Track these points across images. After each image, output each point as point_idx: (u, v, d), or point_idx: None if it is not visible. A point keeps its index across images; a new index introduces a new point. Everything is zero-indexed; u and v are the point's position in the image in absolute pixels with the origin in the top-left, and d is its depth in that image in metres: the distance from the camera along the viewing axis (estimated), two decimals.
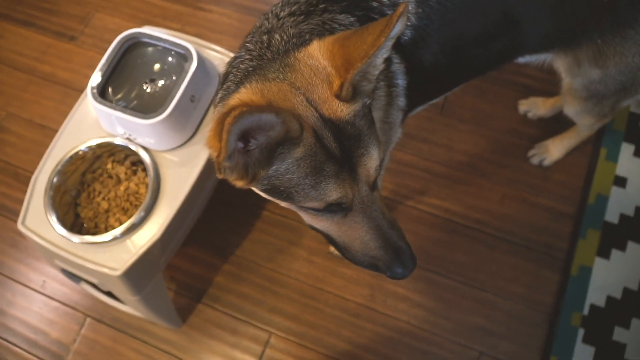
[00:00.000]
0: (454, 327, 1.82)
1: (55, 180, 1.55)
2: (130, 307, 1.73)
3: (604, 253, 1.90)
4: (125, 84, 1.59)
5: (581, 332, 1.81)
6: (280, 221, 1.97)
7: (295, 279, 1.89)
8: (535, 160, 1.99)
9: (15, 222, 2.01)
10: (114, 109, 1.51)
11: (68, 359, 1.83)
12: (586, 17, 1.26)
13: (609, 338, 1.81)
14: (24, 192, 2.03)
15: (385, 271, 1.03)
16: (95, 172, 1.67)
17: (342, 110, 0.92)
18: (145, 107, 1.54)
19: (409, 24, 1.20)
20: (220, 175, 0.95)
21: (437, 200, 1.96)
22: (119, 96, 1.57)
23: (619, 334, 1.81)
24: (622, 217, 1.94)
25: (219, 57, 1.70)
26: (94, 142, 1.60)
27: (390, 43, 0.87)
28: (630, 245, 1.91)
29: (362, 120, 0.94)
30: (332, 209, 0.97)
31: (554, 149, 1.96)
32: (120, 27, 1.72)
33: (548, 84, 2.07)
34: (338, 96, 0.91)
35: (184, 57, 1.59)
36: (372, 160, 0.95)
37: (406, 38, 1.21)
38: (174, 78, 1.60)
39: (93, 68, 1.57)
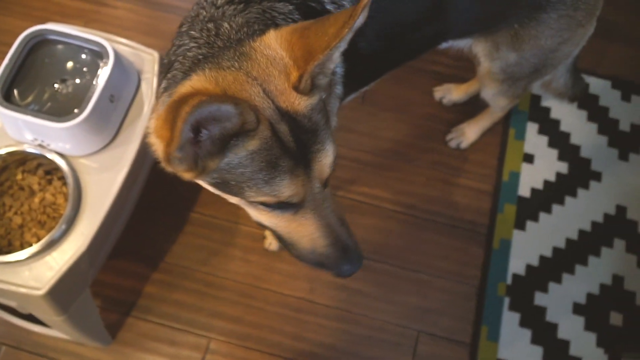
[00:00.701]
0: (393, 309, 1.86)
1: None
2: (54, 328, 1.58)
3: (520, 225, 2.04)
4: (34, 85, 1.44)
5: (507, 301, 1.93)
6: (211, 222, 1.90)
7: (233, 280, 1.83)
8: (453, 144, 2.08)
9: None
10: (22, 112, 1.37)
11: None
12: (505, 3, 1.34)
13: (531, 303, 1.94)
14: None
15: (333, 268, 1.01)
16: (3, 184, 1.51)
17: (300, 104, 0.89)
18: (60, 110, 1.41)
19: None
20: (168, 168, 0.89)
21: (367, 188, 1.99)
22: (28, 99, 1.42)
23: (539, 298, 1.95)
24: (533, 190, 2.10)
25: (136, 53, 1.60)
26: (2, 150, 1.44)
27: (350, 35, 0.85)
28: (542, 215, 2.07)
29: (319, 115, 0.92)
30: (283, 205, 0.94)
31: (470, 132, 2.07)
32: (15, 28, 1.56)
33: (459, 70, 2.18)
34: (296, 88, 0.88)
35: (98, 54, 1.48)
36: (328, 157, 0.93)
37: None
38: (87, 77, 1.48)
39: None
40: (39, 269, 1.37)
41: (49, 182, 1.53)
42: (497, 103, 1.76)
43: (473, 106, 2.10)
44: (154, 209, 1.88)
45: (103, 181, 1.47)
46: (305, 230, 0.98)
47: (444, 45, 1.52)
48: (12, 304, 1.43)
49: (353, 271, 1.00)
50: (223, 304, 1.80)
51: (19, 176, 1.51)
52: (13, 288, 1.34)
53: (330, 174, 0.97)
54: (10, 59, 1.43)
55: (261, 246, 1.88)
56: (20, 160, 1.50)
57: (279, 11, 1.10)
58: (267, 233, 1.88)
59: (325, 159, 0.93)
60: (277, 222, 0.99)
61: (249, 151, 0.86)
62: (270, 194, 0.90)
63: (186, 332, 1.77)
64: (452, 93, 2.13)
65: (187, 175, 0.90)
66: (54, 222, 1.46)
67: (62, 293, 1.39)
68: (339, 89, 1.30)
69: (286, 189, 0.90)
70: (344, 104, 1.50)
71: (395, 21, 1.27)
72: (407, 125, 2.10)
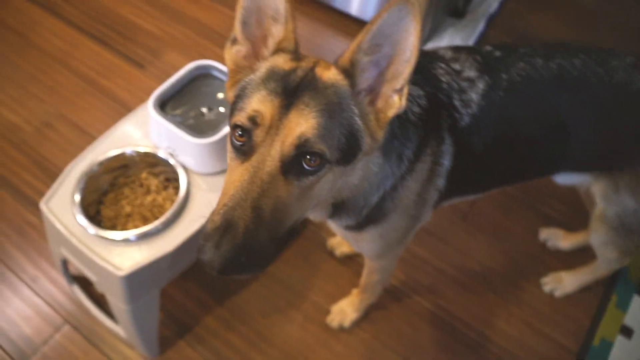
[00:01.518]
0: None
1: (95, 169, 1.59)
2: (116, 317, 1.67)
3: None
4: (185, 103, 1.67)
5: None
6: (285, 280, 1.94)
7: (284, 342, 1.82)
8: (547, 289, 1.98)
9: (30, 211, 2.04)
10: (167, 120, 1.59)
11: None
12: (633, 145, 1.32)
13: None
14: (48, 186, 2.08)
15: (201, 241, 0.89)
16: (129, 177, 1.71)
17: (328, 75, 0.98)
18: (198, 129, 1.61)
19: (469, 111, 1.27)
20: (226, 51, 1.07)
21: (444, 302, 1.94)
22: (176, 112, 1.65)
23: None
24: None
25: None
26: (141, 148, 1.65)
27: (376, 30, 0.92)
28: None
29: (333, 97, 0.96)
30: (242, 147, 0.95)
31: (568, 282, 1.96)
32: (179, 63, 1.84)
33: (570, 219, 2.12)
34: (336, 63, 1.00)
35: None
36: (306, 117, 0.92)
37: (464, 124, 1.27)
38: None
39: (150, 94, 1.64)
40: (127, 254, 1.49)
41: (165, 188, 1.71)
42: (605, 254, 1.66)
43: (576, 258, 2.01)
44: None
45: (207, 201, 1.61)
46: (230, 181, 0.94)
47: (560, 177, 1.50)
48: (93, 277, 1.55)
49: (210, 260, 0.85)
50: None
51: (144, 175, 1.71)
52: (100, 262, 1.47)
53: (296, 148, 0.91)
54: (176, 79, 1.69)
55: (323, 319, 1.87)
56: (151, 163, 1.70)
57: (410, 92, 1.20)
58: (333, 308, 1.88)
59: (302, 119, 0.91)
60: (228, 173, 0.99)
61: (267, 68, 1.00)
62: (245, 108, 0.95)
63: None
64: (559, 238, 2.06)
65: (230, 81, 1.06)
66: (156, 221, 1.60)
67: (138, 281, 1.50)
68: (441, 182, 1.32)
69: (257, 101, 0.94)
70: (444, 206, 1.52)
71: (514, 129, 1.30)
72: (502, 255, 2.05)
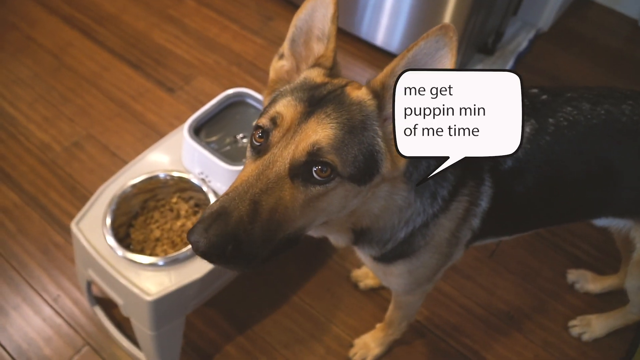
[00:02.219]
0: None
1: (128, 190, 1.59)
2: (140, 343, 1.65)
3: None
4: (220, 130, 1.69)
5: None
6: (308, 311, 1.92)
7: None
8: (575, 332, 1.93)
9: (55, 230, 2.04)
10: (202, 146, 1.60)
11: None
12: None
13: None
14: (75, 206, 2.10)
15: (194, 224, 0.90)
16: (159, 201, 1.71)
17: (357, 93, 0.99)
18: (232, 156, 1.62)
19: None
20: (274, 62, 1.12)
21: (469, 341, 1.90)
22: (212, 139, 1.66)
23: None
24: None
25: None
26: (175, 173, 1.66)
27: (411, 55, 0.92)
28: None
29: (357, 115, 0.96)
30: (259, 147, 0.97)
31: (597, 326, 1.91)
32: (215, 93, 1.85)
33: (598, 262, 2.09)
34: (368, 84, 1.01)
35: None
36: (323, 126, 0.93)
37: (506, 167, 1.24)
38: None
39: (180, 119, 1.64)
40: (156, 279, 1.48)
41: (195, 213, 1.71)
42: (639, 299, 1.63)
43: (604, 302, 1.97)
44: (263, 277, 1.96)
45: None
46: (239, 176, 0.95)
47: (600, 221, 1.47)
48: (119, 301, 1.54)
49: (196, 240, 0.84)
50: None
51: (174, 199, 1.72)
52: (129, 285, 1.46)
53: (307, 154, 0.92)
54: (211, 106, 1.71)
55: (345, 353, 1.83)
56: (182, 187, 1.70)
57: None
58: (356, 342, 1.85)
59: (319, 127, 0.93)
60: (242, 171, 0.99)
61: (301, 79, 1.05)
62: (269, 111, 0.98)
63: None
64: (587, 281, 2.02)
65: (268, 90, 1.11)
66: (185, 247, 1.60)
67: (164, 308, 1.48)
68: (476, 222, 1.29)
69: (281, 104, 0.97)
70: (475, 246, 1.49)
71: (559, 174, 1.27)
72: (528, 295, 2.01)
